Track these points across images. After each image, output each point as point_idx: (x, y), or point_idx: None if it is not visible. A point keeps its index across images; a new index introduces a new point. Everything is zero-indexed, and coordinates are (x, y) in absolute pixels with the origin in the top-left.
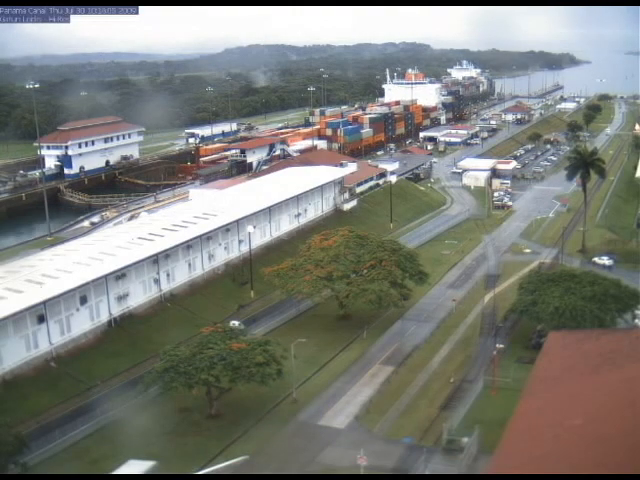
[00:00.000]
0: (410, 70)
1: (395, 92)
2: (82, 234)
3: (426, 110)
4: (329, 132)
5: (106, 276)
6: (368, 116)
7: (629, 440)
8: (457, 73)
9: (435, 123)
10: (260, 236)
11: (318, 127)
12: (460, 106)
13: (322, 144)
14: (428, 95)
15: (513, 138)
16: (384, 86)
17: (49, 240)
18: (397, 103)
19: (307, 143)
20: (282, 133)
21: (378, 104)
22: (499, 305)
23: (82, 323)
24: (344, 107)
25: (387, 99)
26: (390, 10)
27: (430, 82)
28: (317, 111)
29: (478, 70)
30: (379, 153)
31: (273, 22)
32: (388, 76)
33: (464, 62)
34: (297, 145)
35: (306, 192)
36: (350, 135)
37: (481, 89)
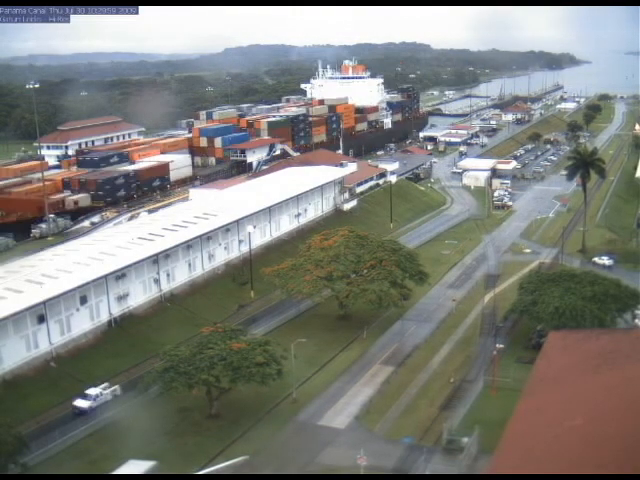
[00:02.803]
0: (347, 61)
1: (328, 89)
2: (82, 234)
3: (363, 111)
4: (204, 142)
5: (106, 276)
6: (267, 120)
7: (629, 440)
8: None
9: (375, 128)
10: (260, 236)
11: (189, 136)
12: (414, 106)
13: (180, 159)
14: (368, 92)
15: (513, 138)
16: (313, 81)
17: (49, 240)
18: (320, 102)
19: (161, 159)
20: (135, 143)
21: (295, 103)
22: (499, 305)
23: (82, 323)
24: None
25: (319, 97)
26: (390, 10)
27: (371, 76)
28: (203, 114)
29: (377, 80)
30: (379, 153)
31: (273, 22)
32: (320, 68)
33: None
34: (141, 163)
35: (306, 192)
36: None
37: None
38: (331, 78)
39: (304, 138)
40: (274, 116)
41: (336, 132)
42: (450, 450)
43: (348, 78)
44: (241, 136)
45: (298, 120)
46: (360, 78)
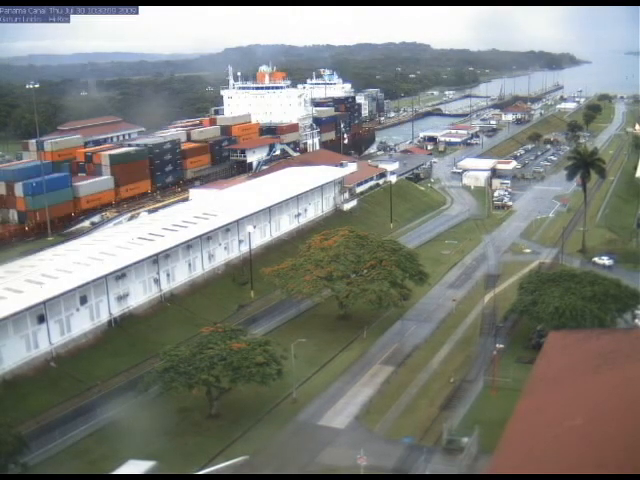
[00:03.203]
0: (264, 67)
1: (239, 102)
2: (82, 234)
3: (276, 131)
4: (2, 190)
5: (106, 276)
6: (109, 153)
7: (629, 440)
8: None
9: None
10: (260, 236)
11: None
12: (353, 121)
13: None
14: (287, 106)
15: (513, 138)
16: (223, 92)
17: (49, 240)
18: (212, 121)
19: None
20: None
21: (184, 124)
22: (499, 305)
23: (82, 323)
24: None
25: (228, 113)
26: (390, 10)
27: (291, 85)
28: (33, 143)
29: (346, 85)
30: (379, 153)
31: (273, 22)
32: (231, 77)
33: (326, 71)
34: None
35: (306, 192)
36: (41, 195)
37: (364, 112)
38: (242, 88)
39: (172, 174)
40: (130, 145)
41: (229, 161)
42: (450, 450)
43: (263, 88)
44: (57, 179)
45: (162, 151)
46: (277, 88)
